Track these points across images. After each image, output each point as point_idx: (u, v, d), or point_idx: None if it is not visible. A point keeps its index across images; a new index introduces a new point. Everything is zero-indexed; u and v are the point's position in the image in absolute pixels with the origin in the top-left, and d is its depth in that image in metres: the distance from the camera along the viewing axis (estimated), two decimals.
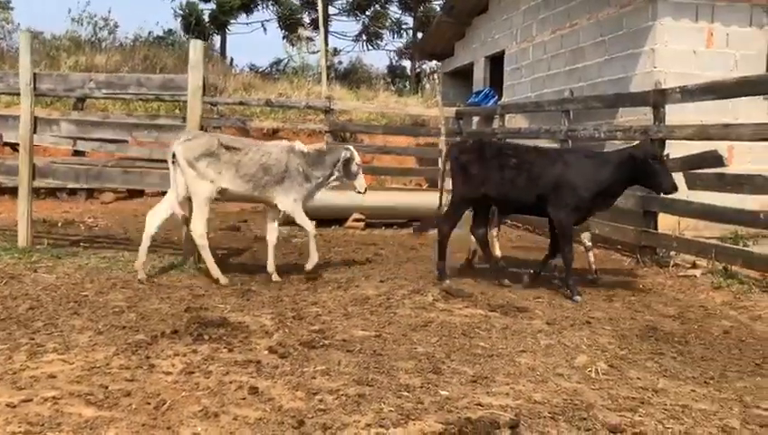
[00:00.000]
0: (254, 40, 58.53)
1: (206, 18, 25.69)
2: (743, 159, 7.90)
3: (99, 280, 5.45)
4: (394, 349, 3.91)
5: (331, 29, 26.19)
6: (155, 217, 5.69)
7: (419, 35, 24.60)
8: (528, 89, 11.94)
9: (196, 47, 6.33)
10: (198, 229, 5.53)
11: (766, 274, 5.78)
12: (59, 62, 15.93)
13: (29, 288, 5.07)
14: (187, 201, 5.67)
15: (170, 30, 25.59)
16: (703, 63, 8.42)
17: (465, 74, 15.34)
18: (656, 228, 7.04)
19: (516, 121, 11.63)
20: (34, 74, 6.76)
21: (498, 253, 6.41)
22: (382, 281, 5.72)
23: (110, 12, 23.94)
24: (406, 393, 3.22)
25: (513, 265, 6.43)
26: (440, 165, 12.12)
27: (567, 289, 5.53)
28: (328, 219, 8.98)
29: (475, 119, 13.55)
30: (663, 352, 4.15)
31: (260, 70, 24.62)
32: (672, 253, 6.88)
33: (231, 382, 3.28)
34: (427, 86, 24.48)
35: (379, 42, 28.22)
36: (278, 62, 26.28)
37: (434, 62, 20.73)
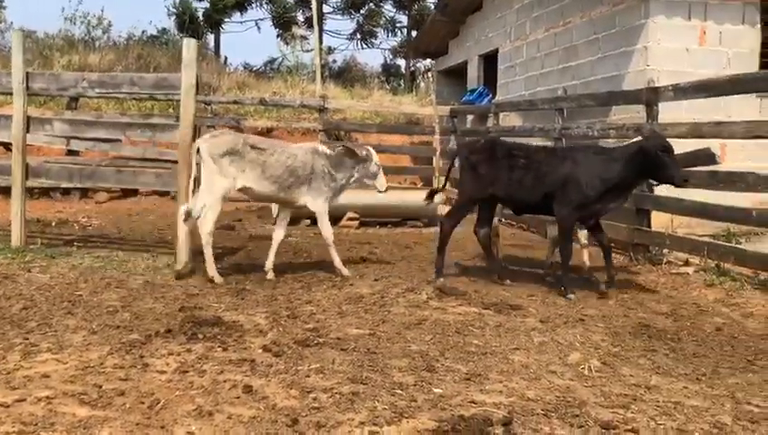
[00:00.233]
0: (249, 39, 58.43)
1: (199, 17, 25.64)
2: (735, 156, 7.92)
3: (93, 280, 5.44)
4: (388, 347, 3.92)
5: (325, 27, 26.22)
6: (190, 221, 5.75)
7: (414, 34, 24.61)
8: (522, 87, 11.97)
9: (189, 46, 6.32)
10: (207, 226, 5.56)
11: (758, 271, 5.80)
12: (52, 61, 15.90)
13: (23, 288, 5.07)
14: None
15: (164, 29, 25.59)
16: (696, 61, 8.46)
17: (459, 73, 15.36)
18: (649, 226, 7.06)
19: (510, 120, 11.65)
20: (27, 73, 6.75)
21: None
22: (376, 279, 5.73)
23: (102, 11, 23.90)
24: (399, 391, 3.23)
25: (511, 264, 6.45)
26: (434, 162, 12.18)
27: (561, 287, 5.55)
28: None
29: (470, 117, 13.57)
30: (655, 349, 4.17)
31: (254, 69, 24.65)
32: (665, 250, 6.91)
33: (225, 381, 3.28)
34: (422, 85, 24.53)
35: (373, 40, 28.27)
36: (272, 60, 26.30)
37: (428, 60, 20.73)
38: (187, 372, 3.40)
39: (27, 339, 3.86)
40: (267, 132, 13.44)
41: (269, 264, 5.87)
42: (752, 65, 8.53)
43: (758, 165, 6.97)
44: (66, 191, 11.35)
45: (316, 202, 5.83)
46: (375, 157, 6.07)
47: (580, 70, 10.05)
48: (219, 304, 4.79)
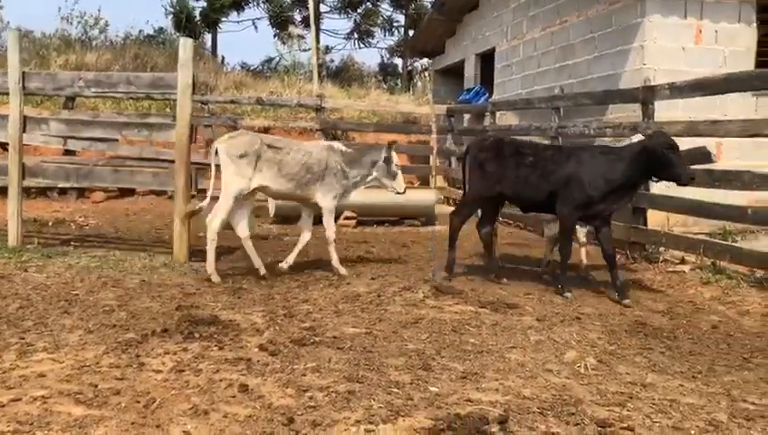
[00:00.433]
0: (246, 38, 58.39)
1: (197, 16, 25.59)
2: (731, 155, 7.95)
3: (89, 279, 5.43)
4: (384, 346, 3.92)
5: (322, 27, 26.15)
6: (240, 224, 5.83)
7: (411, 33, 24.59)
8: (518, 86, 11.97)
9: (185, 45, 6.32)
10: (215, 224, 5.61)
11: (754, 269, 5.81)
12: (49, 60, 15.85)
13: (19, 287, 5.06)
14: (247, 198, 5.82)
15: (161, 28, 25.48)
16: (692, 60, 8.46)
17: (456, 72, 15.36)
18: (645, 224, 7.08)
19: (507, 118, 11.66)
20: (23, 73, 6.74)
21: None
22: (373, 278, 5.73)
23: (99, 10, 23.83)
24: (395, 390, 3.23)
25: (508, 263, 6.46)
26: (431, 161, 12.19)
27: (558, 285, 5.55)
28: (319, 217, 8.96)
29: (466, 116, 13.58)
30: (652, 347, 4.18)
31: (251, 68, 24.58)
32: (661, 249, 6.92)
33: (221, 380, 3.28)
34: (419, 84, 24.49)
35: (370, 40, 28.19)
36: (269, 60, 26.24)
37: (425, 59, 20.72)
38: (183, 371, 3.40)
39: (23, 338, 3.85)
40: (264, 132, 13.43)
41: (290, 259, 5.94)
42: (748, 64, 8.54)
43: (754, 163, 6.99)
44: (63, 191, 11.33)
45: (325, 198, 5.86)
46: (395, 157, 6.09)
47: (577, 69, 10.06)
48: (216, 303, 4.78)
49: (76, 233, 8.04)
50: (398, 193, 6.24)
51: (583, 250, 6.45)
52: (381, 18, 27.91)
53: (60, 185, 10.35)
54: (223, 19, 26.45)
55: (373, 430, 2.80)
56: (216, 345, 3.81)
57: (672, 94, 6.79)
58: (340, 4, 27.04)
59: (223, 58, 24.70)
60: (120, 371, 3.38)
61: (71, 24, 19.61)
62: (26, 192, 8.65)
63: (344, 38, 28.07)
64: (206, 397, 3.08)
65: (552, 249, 6.51)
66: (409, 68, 26.75)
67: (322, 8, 26.39)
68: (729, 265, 6.04)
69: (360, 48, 30.59)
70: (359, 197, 7.02)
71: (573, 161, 5.50)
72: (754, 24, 8.68)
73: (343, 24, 63.40)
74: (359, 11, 27.58)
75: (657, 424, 2.98)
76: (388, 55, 29.33)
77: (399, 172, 6.13)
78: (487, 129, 11.27)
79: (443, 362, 3.67)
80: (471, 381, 3.42)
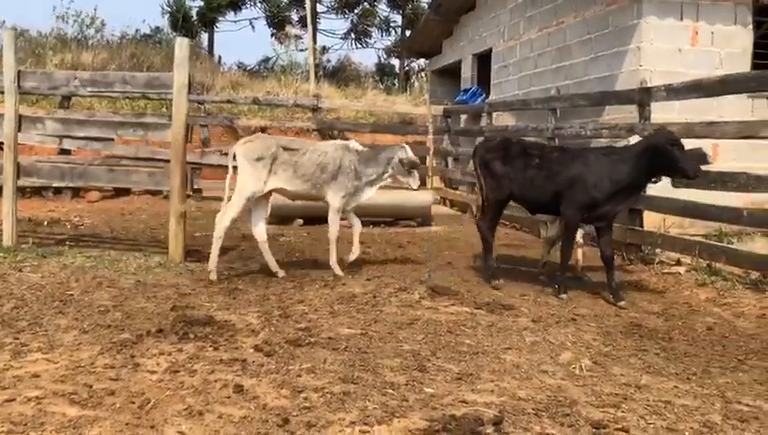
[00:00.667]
0: (243, 38, 58.33)
1: (193, 16, 25.57)
2: (727, 156, 7.95)
3: (84, 279, 5.42)
4: (380, 347, 3.92)
5: (319, 27, 26.15)
6: (258, 226, 5.87)
7: (408, 33, 24.60)
8: (515, 87, 11.98)
9: (181, 45, 6.31)
10: (225, 223, 5.66)
11: (750, 271, 5.82)
12: (45, 59, 15.83)
13: (14, 287, 5.04)
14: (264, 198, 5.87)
15: (158, 28, 25.48)
16: (688, 62, 8.47)
17: (453, 72, 15.36)
18: (641, 226, 7.08)
19: (503, 119, 11.66)
20: (19, 72, 6.71)
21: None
22: (369, 279, 5.73)
23: (96, 9, 23.80)
24: (391, 391, 3.23)
25: (504, 263, 6.45)
26: (428, 162, 12.18)
27: (555, 285, 5.55)
28: (316, 217, 8.97)
29: (463, 117, 13.58)
30: (647, 349, 4.18)
31: (248, 68, 24.58)
32: (657, 250, 6.93)
33: (216, 381, 3.28)
34: (416, 84, 24.51)
35: (367, 40, 28.22)
36: (266, 60, 26.24)
37: (422, 60, 20.74)
38: (177, 371, 3.39)
39: (18, 339, 3.84)
40: (261, 131, 13.42)
41: (355, 250, 6.06)
42: (744, 66, 8.55)
43: (750, 165, 7.00)
44: (58, 190, 11.29)
45: (335, 197, 5.89)
46: (410, 154, 6.10)
47: (574, 70, 10.07)
48: (211, 304, 4.77)
49: (71, 232, 8.01)
50: (413, 189, 6.31)
51: (580, 251, 6.45)
52: (378, 18, 27.96)
53: (55, 184, 10.33)
54: (220, 19, 26.45)
55: (368, 432, 2.80)
56: (211, 346, 3.81)
57: (668, 96, 6.80)
58: (337, 5, 27.05)
59: (219, 58, 24.70)
60: (115, 371, 3.37)
61: (66, 22, 19.60)
62: (21, 191, 8.63)
63: (341, 38, 28.14)
64: (201, 398, 3.07)
65: (548, 251, 6.52)
66: (406, 68, 26.79)
67: (319, 8, 26.41)
68: (725, 267, 6.04)
69: (356, 48, 30.57)
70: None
71: (579, 162, 5.48)
72: (750, 26, 8.70)
73: (340, 24, 63.20)
74: (356, 11, 27.60)
75: (652, 425, 2.99)
76: (385, 56, 29.39)
77: (415, 169, 6.15)
78: (484, 129, 11.28)
79: (438, 363, 3.67)
80: (466, 382, 3.42)
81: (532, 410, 3.08)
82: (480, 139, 11.34)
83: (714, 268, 6.12)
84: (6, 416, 2.80)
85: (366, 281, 5.65)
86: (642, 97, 7.06)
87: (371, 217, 9.45)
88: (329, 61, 27.92)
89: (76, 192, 11.47)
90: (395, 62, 28.75)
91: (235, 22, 27.31)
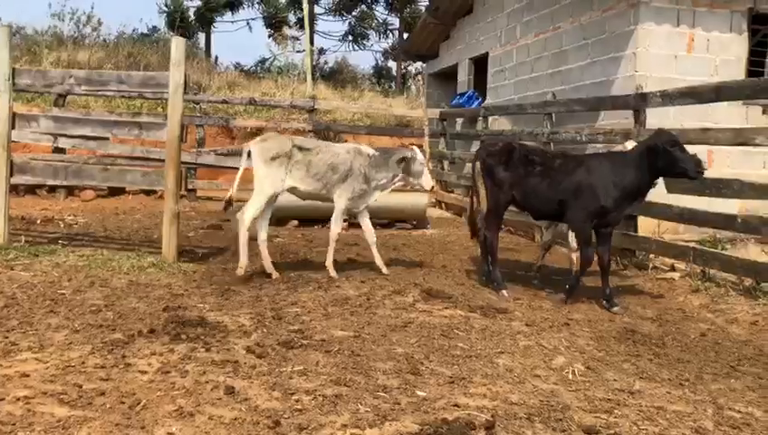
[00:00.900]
0: (240, 39, 58.28)
1: (191, 16, 25.54)
2: (721, 163, 7.99)
3: (76, 278, 5.39)
4: (373, 349, 3.90)
5: (316, 29, 26.16)
6: (261, 226, 5.91)
7: (405, 36, 24.62)
8: (511, 91, 11.99)
9: (178, 45, 6.29)
10: (248, 215, 5.73)
11: (743, 277, 5.84)
12: (40, 57, 15.77)
13: (4, 286, 5.00)
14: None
15: (155, 27, 25.46)
16: (683, 68, 8.50)
17: (449, 76, 15.37)
18: (635, 231, 7.10)
19: (499, 123, 11.68)
20: (13, 69, 6.68)
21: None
22: (363, 281, 5.71)
23: (93, 8, 23.75)
24: (383, 394, 3.22)
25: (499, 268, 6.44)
26: (421, 161, 12.16)
27: (567, 290, 5.50)
28: (311, 219, 8.96)
29: (459, 120, 13.59)
30: (640, 354, 4.18)
31: (245, 68, 24.55)
32: (651, 256, 6.94)
33: (207, 382, 3.26)
34: (413, 87, 24.55)
35: (365, 42, 28.24)
36: (263, 60, 26.22)
37: (419, 63, 20.76)
38: (169, 372, 3.37)
39: (7, 338, 3.81)
40: (257, 132, 13.39)
41: (378, 262, 6.10)
42: (739, 73, 8.59)
43: (743, 172, 7.03)
44: (52, 189, 11.25)
45: (341, 198, 5.95)
46: (420, 156, 6.13)
47: (570, 75, 10.09)
48: (204, 305, 4.75)
49: (64, 231, 7.97)
50: (425, 191, 6.42)
51: (574, 256, 6.44)
52: (376, 21, 27.97)
53: (49, 183, 10.29)
54: (217, 19, 26.42)
55: None
56: (202, 347, 3.79)
57: (664, 102, 6.82)
58: (334, 7, 27.06)
59: (216, 58, 24.71)
60: (106, 371, 3.35)
61: (62, 21, 19.54)
62: (15, 190, 8.59)
63: (339, 40, 28.18)
64: (192, 399, 3.05)
65: (543, 255, 6.52)
66: (403, 71, 26.80)
67: (317, 10, 26.44)
68: (718, 273, 6.06)
69: (354, 50, 30.61)
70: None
71: (584, 169, 5.42)
72: (746, 34, 8.73)
73: (338, 26, 63.41)
74: (353, 13, 27.62)
75: (644, 431, 2.99)
76: (382, 58, 29.41)
77: (426, 169, 6.18)
78: (480, 133, 11.30)
79: (431, 367, 3.66)
80: (459, 385, 3.41)
81: (525, 414, 3.07)
82: (476, 142, 11.41)
83: (708, 274, 6.14)
84: None
85: (360, 283, 5.64)
86: (638, 103, 7.08)
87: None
88: (326, 62, 27.99)
89: (70, 191, 11.42)
90: (392, 64, 28.80)
91: (232, 22, 27.33)
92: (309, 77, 17.04)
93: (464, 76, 14.35)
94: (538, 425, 2.97)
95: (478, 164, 5.98)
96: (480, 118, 11.74)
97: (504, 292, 5.61)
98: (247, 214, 5.75)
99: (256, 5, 26.73)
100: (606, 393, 3.43)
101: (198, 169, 11.75)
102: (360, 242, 8.20)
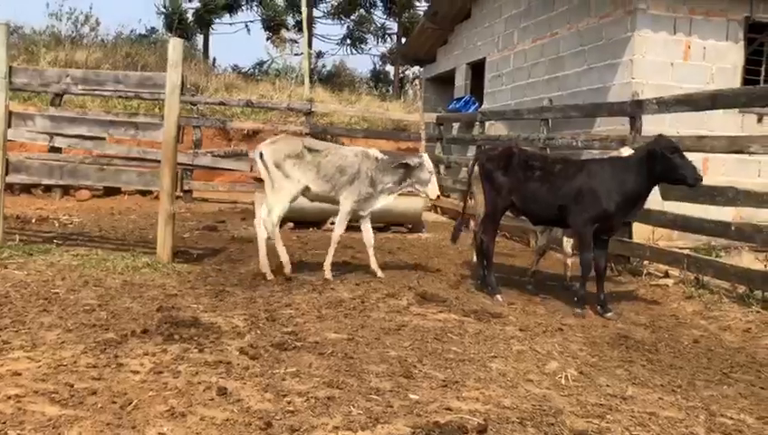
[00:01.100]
0: (238, 41, 58.26)
1: (189, 17, 25.52)
2: (716, 170, 8.02)
3: (70, 277, 5.37)
4: (366, 352, 3.90)
5: (315, 32, 26.17)
6: (261, 224, 5.99)
7: (403, 41, 24.65)
8: (508, 96, 12.02)
9: (175, 46, 6.29)
10: (274, 218, 5.81)
11: (737, 284, 5.85)
12: (38, 57, 15.73)
13: None
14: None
15: (153, 28, 25.41)
16: (680, 76, 8.54)
17: (446, 80, 15.41)
18: (630, 238, 7.11)
19: (496, 128, 11.71)
20: (10, 68, 6.66)
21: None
22: (358, 284, 5.71)
23: (91, 8, 23.72)
24: (375, 397, 3.21)
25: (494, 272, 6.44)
26: (430, 169, 12.18)
27: (577, 297, 5.46)
28: (306, 222, 8.96)
29: (456, 125, 13.62)
30: (633, 360, 4.19)
31: (243, 70, 24.52)
32: (645, 262, 6.95)
33: (200, 383, 3.25)
34: (410, 91, 24.58)
35: (363, 46, 28.24)
36: (261, 63, 26.20)
37: (417, 67, 20.78)
38: (161, 372, 3.37)
39: None
40: (253, 135, 13.42)
41: (374, 265, 6.13)
42: (735, 81, 8.63)
43: (738, 179, 7.05)
44: (48, 188, 11.22)
45: (346, 200, 6.01)
46: (429, 164, 6.15)
47: (567, 81, 10.12)
48: (197, 306, 4.74)
49: (59, 231, 7.95)
50: (431, 199, 6.44)
51: (569, 261, 6.46)
52: (374, 25, 27.99)
53: (44, 182, 10.26)
54: (216, 21, 26.41)
55: None
56: (196, 347, 3.78)
57: (659, 109, 6.85)
58: (333, 10, 27.09)
59: (214, 60, 24.68)
60: (98, 371, 3.34)
61: (60, 20, 19.50)
62: (10, 188, 8.56)
63: (337, 44, 28.15)
64: (184, 399, 3.05)
65: (537, 260, 6.53)
66: (401, 75, 26.83)
67: (316, 13, 26.44)
68: (712, 280, 6.08)
69: (352, 54, 30.63)
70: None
71: (584, 174, 5.40)
72: (742, 42, 8.78)
73: (336, 29, 63.42)
74: (352, 17, 27.64)
75: None
76: (380, 62, 29.44)
77: (433, 178, 6.19)
78: (476, 138, 11.32)
79: (424, 370, 3.66)
80: (452, 389, 3.41)
81: (517, 418, 3.08)
82: (473, 147, 11.43)
83: (701, 281, 6.15)
84: None
85: (354, 286, 5.64)
86: (634, 109, 7.11)
87: None
88: (324, 66, 27.96)
89: (66, 190, 11.38)
90: (390, 68, 28.82)
91: (230, 24, 27.28)
92: (306, 80, 17.05)
93: (461, 81, 14.38)
94: (530, 429, 2.97)
95: (476, 168, 5.97)
96: (477, 123, 11.77)
97: (499, 296, 5.60)
98: (274, 215, 5.82)
99: (255, 8, 26.73)
100: (598, 399, 3.44)
101: (195, 171, 11.73)
102: (355, 245, 8.21)
